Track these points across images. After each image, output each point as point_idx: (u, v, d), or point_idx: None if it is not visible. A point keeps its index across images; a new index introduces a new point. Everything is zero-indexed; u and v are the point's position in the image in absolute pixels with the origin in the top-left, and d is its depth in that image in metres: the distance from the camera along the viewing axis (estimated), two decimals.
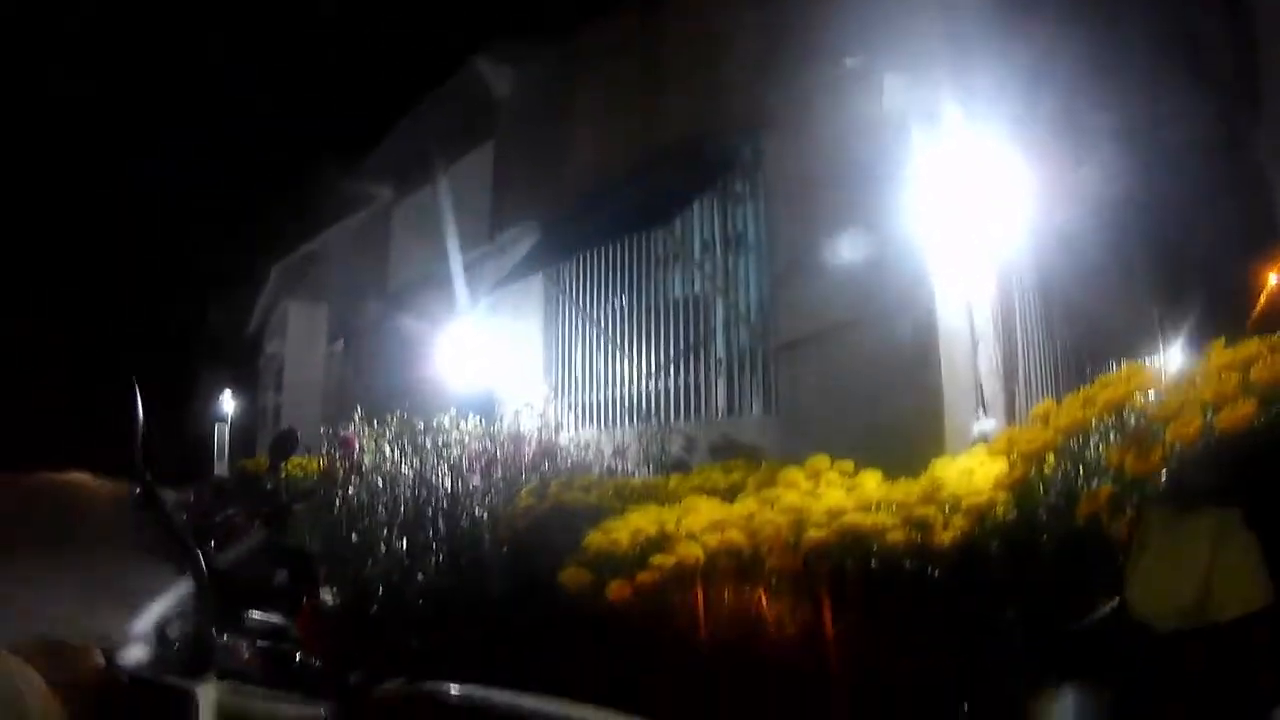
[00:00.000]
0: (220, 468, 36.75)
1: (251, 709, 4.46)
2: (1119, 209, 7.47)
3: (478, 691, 4.86)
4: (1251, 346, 3.94)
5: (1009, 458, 4.56)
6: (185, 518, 14.82)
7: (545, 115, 15.14)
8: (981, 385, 7.92)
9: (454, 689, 4.79)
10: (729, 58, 10.59)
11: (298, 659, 5.76)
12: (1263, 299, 5.55)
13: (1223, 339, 4.11)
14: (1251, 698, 3.06)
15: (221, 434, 39.45)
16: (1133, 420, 4.11)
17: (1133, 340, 6.64)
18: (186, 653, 5.32)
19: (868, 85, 8.45)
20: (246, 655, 5.39)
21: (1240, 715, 3.07)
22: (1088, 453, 4.25)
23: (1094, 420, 4.26)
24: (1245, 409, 3.54)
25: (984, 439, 6.58)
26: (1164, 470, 3.67)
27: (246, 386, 42.68)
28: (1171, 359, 5.02)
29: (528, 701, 4.74)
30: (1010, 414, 7.92)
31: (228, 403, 41.31)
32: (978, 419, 7.68)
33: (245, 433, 40.27)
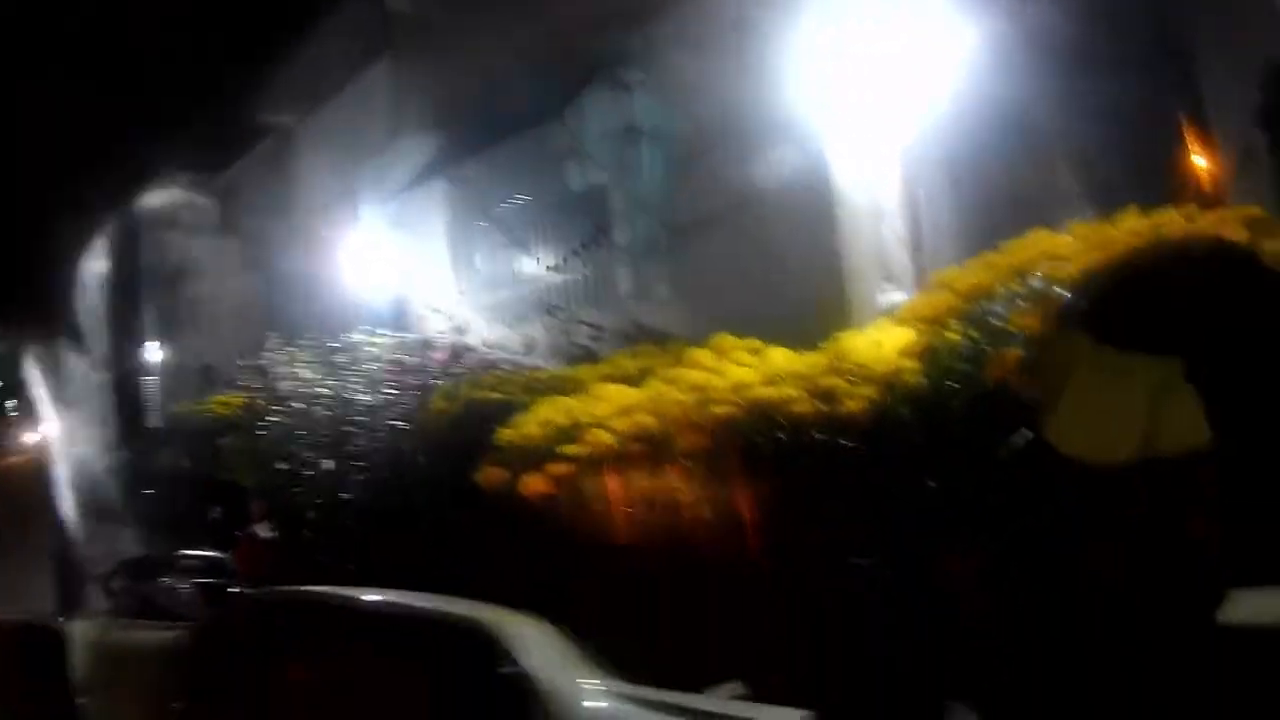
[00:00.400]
0: (154, 419, 36.37)
1: (119, 639, 4.48)
2: (1029, 79, 7.45)
3: (331, 591, 4.86)
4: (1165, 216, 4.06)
5: (914, 326, 4.55)
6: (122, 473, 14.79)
7: (440, 23, 14.82)
8: (887, 258, 7.89)
9: (310, 590, 4.79)
10: None
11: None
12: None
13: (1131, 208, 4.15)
14: (1183, 543, 3.07)
15: (150, 386, 38.87)
16: (1037, 284, 4.09)
17: (1047, 211, 6.68)
18: (130, 600, 5.37)
19: None
20: (186, 593, 5.45)
21: (1171, 557, 3.09)
22: (992, 318, 4.21)
23: (997, 284, 4.24)
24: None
25: (892, 311, 6.59)
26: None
27: (171, 333, 42.09)
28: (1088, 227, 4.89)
29: (382, 596, 4.77)
30: (921, 286, 7.92)
31: (154, 354, 40.68)
32: (884, 291, 7.64)
33: (180, 379, 39.78)
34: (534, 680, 3.70)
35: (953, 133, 7.81)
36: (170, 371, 37.77)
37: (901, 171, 8.11)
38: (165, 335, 38.86)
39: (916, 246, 8.10)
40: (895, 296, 7.48)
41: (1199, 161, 5.97)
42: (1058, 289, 3.90)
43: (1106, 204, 5.11)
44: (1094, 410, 3.23)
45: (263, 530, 9.13)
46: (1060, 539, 3.28)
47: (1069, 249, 4.20)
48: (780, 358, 5.54)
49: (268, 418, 9.49)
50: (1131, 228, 4.02)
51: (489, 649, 3.87)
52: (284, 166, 23.80)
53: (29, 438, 24.14)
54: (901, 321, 4.81)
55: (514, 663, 3.79)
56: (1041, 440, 3.43)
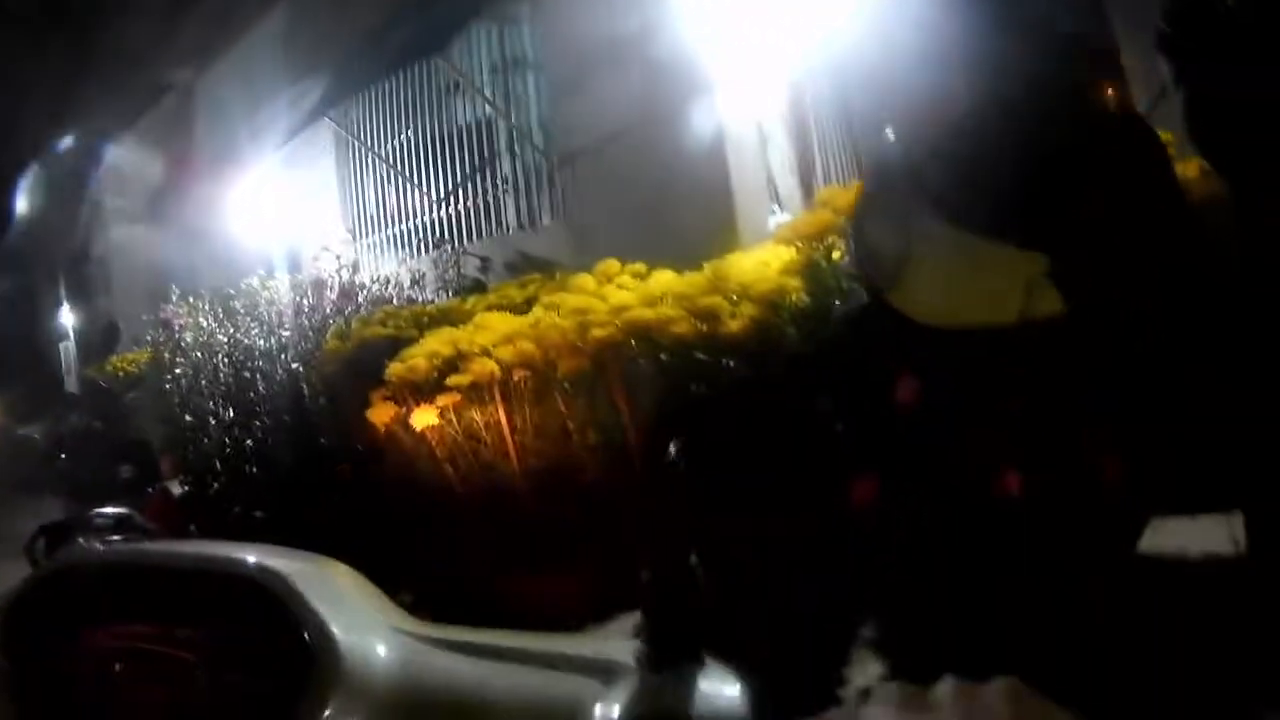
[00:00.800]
0: (70, 383, 35.96)
1: None
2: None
3: (135, 549, 4.81)
4: None
5: (797, 245, 4.53)
6: (35, 436, 14.73)
7: None
8: (775, 181, 7.94)
9: (113, 550, 4.72)
10: None
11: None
12: None
13: None
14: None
15: (67, 351, 38.41)
16: None
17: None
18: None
19: None
20: (101, 550, 5.32)
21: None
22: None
23: None
24: None
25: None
26: None
27: (83, 297, 41.61)
28: None
29: (190, 550, 4.72)
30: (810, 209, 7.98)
31: (66, 317, 40.17)
32: (772, 214, 7.71)
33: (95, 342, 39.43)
34: (322, 628, 3.61)
35: (844, 56, 7.84)
36: (82, 334, 37.50)
37: (790, 96, 8.14)
38: (75, 297, 38.45)
39: (807, 170, 8.13)
40: (784, 219, 7.49)
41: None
42: None
43: None
44: (944, 267, 3.16)
45: (173, 485, 9.09)
46: (938, 441, 3.19)
47: None
48: (665, 281, 5.50)
49: (172, 371, 9.45)
50: None
51: (277, 599, 3.78)
52: (185, 122, 23.69)
53: None
54: (785, 241, 4.78)
55: (303, 611, 3.71)
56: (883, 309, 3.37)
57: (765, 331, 4.47)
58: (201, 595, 4.02)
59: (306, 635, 3.59)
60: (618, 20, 8.40)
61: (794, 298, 4.51)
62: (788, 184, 8.01)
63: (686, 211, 7.76)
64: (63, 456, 8.71)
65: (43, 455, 13.75)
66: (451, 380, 5.30)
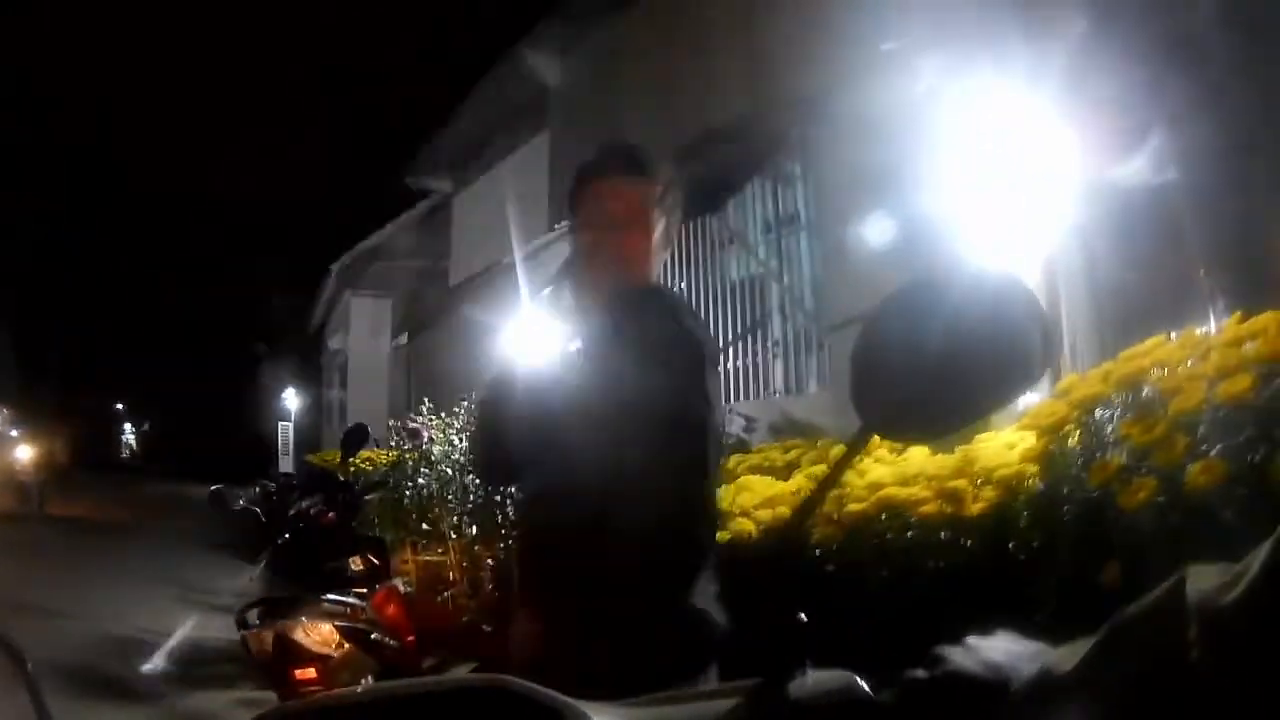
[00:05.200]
0: (285, 463, 37.85)
1: None
2: (1167, 187, 7.65)
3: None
4: (1263, 320, 4.27)
5: (1037, 432, 5.01)
6: (258, 511, 15.56)
7: (596, 102, 15.49)
8: None
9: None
10: (773, 40, 10.85)
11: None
12: None
13: (1238, 313, 4.49)
14: None
15: (285, 431, 40.64)
16: (1145, 392, 4.51)
17: (1181, 312, 7.00)
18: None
19: (906, 67, 8.71)
20: (326, 634, 5.98)
21: None
22: (1107, 426, 4.65)
23: (1111, 394, 4.67)
24: (1243, 384, 3.88)
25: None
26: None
27: (310, 383, 43.78)
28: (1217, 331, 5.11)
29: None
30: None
31: (291, 400, 42.40)
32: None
33: (310, 428, 41.37)
34: None
35: (1093, 234, 8.20)
36: (307, 421, 39.30)
37: (1043, 274, 8.50)
38: (304, 386, 40.38)
39: (1055, 346, 8.46)
40: (1033, 399, 7.88)
41: None
42: (1160, 401, 4.30)
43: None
44: None
45: (400, 584, 9.76)
46: None
47: (1178, 357, 4.54)
48: (918, 458, 6.04)
49: (414, 480, 10.06)
50: (1230, 337, 4.37)
51: None
52: (440, 233, 24.83)
53: None
54: (1024, 427, 5.24)
55: None
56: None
57: (1002, 515, 4.96)
58: None
59: None
60: (882, 190, 8.86)
61: (1030, 484, 4.95)
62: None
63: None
64: (286, 536, 9.29)
65: (260, 529, 14.41)
66: None
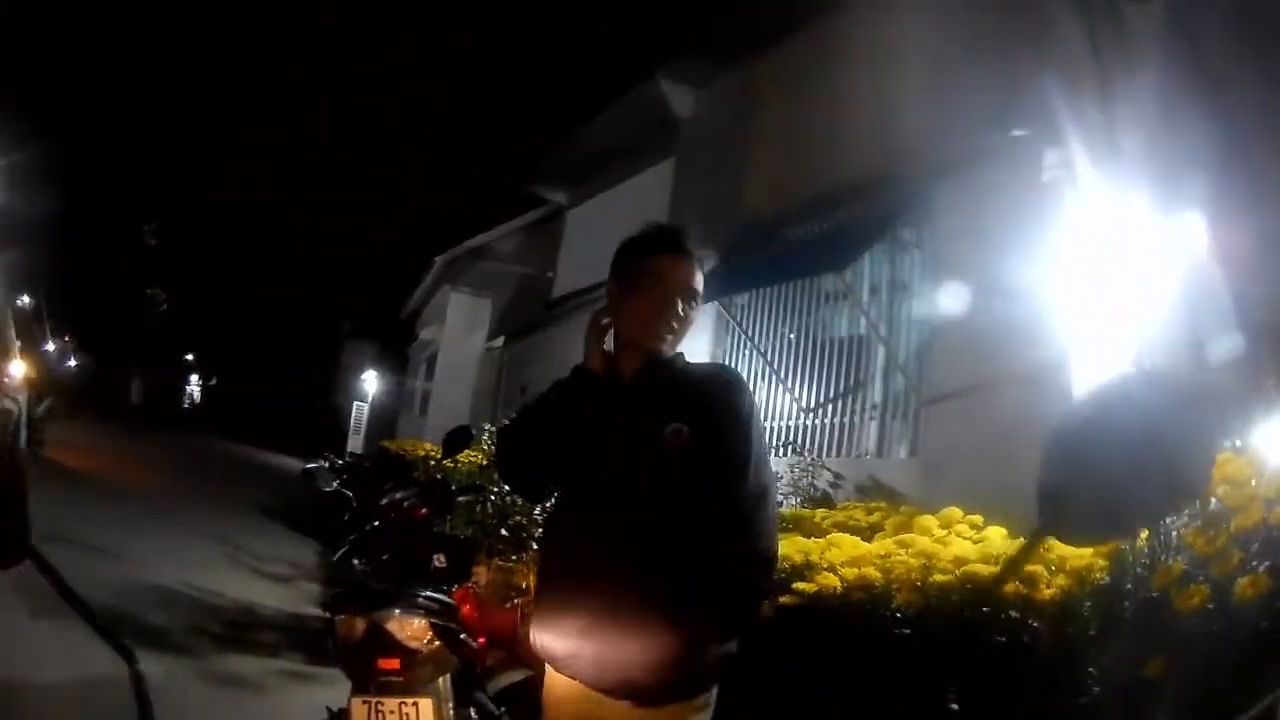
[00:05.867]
0: (355, 443, 38.46)
1: None
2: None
3: None
4: None
5: None
6: (350, 495, 16.08)
7: (725, 139, 15.84)
8: None
9: None
10: (904, 106, 11.06)
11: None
12: None
13: None
14: None
15: (360, 411, 41.34)
16: (1211, 505, 4.96)
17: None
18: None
19: (1031, 155, 9.15)
20: (418, 629, 6.39)
21: None
22: (1172, 532, 5.10)
23: None
24: None
25: None
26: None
27: (393, 368, 44.36)
28: None
29: None
30: None
31: (371, 382, 43.03)
32: None
33: (386, 413, 41.98)
34: None
35: (1204, 331, 8.49)
36: (385, 405, 39.88)
37: (1139, 368, 8.82)
38: (387, 370, 41.01)
39: None
40: None
41: None
42: (1229, 513, 4.70)
43: None
44: None
45: (478, 587, 10.14)
46: None
47: (1245, 473, 4.75)
48: (998, 536, 6.53)
49: (502, 484, 10.47)
50: None
51: None
52: (548, 244, 25.24)
53: None
54: None
55: None
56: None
57: (1069, 600, 5.46)
58: None
59: None
60: (995, 270, 9.19)
61: (1098, 575, 5.42)
62: None
63: (1027, 472, 8.38)
64: (376, 524, 9.54)
65: (353, 516, 14.97)
66: (798, 585, 6.41)
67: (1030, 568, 5.62)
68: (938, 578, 5.88)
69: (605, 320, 4.25)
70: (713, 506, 3.83)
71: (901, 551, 6.53)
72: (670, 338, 4.13)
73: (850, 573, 6.36)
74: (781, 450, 12.23)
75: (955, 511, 7.38)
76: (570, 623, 3.91)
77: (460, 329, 32.33)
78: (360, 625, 6.18)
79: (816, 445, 12.05)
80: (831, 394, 12.29)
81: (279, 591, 14.68)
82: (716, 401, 4.00)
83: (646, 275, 4.14)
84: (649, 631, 3.73)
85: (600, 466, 3.99)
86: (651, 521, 3.85)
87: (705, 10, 16.47)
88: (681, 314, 4.12)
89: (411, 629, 6.28)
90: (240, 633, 11.75)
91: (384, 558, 8.80)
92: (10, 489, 11.07)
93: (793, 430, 12.72)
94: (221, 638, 11.32)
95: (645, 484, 3.90)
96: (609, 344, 4.23)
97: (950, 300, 10.06)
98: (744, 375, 13.70)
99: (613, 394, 4.09)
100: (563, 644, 3.93)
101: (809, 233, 12.79)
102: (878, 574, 6.24)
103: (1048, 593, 5.52)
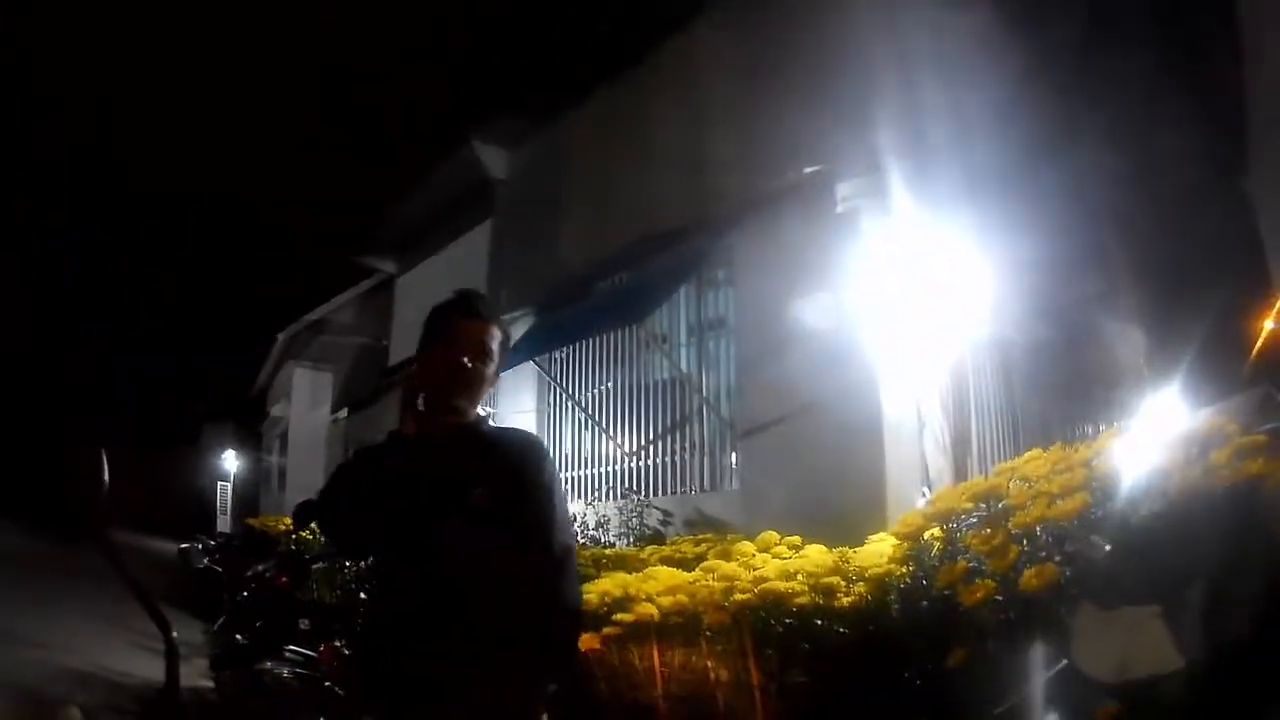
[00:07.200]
0: (222, 523, 38.06)
1: None
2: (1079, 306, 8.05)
3: None
4: (1105, 441, 5.03)
5: (903, 538, 5.72)
6: (220, 570, 16.14)
7: (540, 197, 15.93)
8: (927, 463, 8.87)
9: None
10: (707, 152, 11.39)
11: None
12: (1258, 346, 5.49)
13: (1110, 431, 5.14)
14: None
15: (224, 492, 40.89)
16: (998, 506, 5.18)
17: (1099, 402, 7.60)
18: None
19: (824, 189, 9.47)
20: (286, 677, 6.66)
21: None
22: (960, 534, 5.31)
23: (969, 506, 5.35)
24: (1074, 504, 4.54)
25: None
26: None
27: (249, 446, 43.90)
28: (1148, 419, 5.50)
29: None
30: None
31: (231, 462, 42.56)
32: (923, 495, 8.45)
33: (248, 490, 41.55)
34: None
35: (1006, 334, 8.84)
36: (249, 485, 39.42)
37: (951, 380, 9.09)
38: (244, 449, 40.48)
39: (962, 447, 9.06)
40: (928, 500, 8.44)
41: None
42: (1004, 515, 4.96)
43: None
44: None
45: (340, 645, 10.39)
46: None
47: (1041, 473, 5.18)
48: (816, 553, 6.76)
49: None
50: (1082, 456, 5.00)
51: None
52: (381, 312, 25.22)
53: None
54: (897, 534, 5.92)
55: None
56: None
57: (873, 607, 5.70)
58: None
59: None
60: (800, 301, 9.46)
61: (899, 580, 5.65)
62: (938, 464, 8.95)
63: (844, 489, 8.80)
64: (244, 594, 9.92)
65: (219, 587, 15.55)
66: (617, 617, 6.68)
67: (827, 579, 5.88)
68: (738, 597, 6.14)
69: (415, 383, 4.36)
70: (521, 566, 3.98)
71: (706, 577, 6.83)
72: (467, 397, 4.24)
73: (667, 600, 6.63)
74: (609, 495, 12.50)
75: (772, 535, 7.76)
76: (399, 671, 4.01)
77: (306, 403, 32.17)
78: (239, 679, 6.84)
79: (645, 486, 12.23)
80: (653, 436, 12.47)
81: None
82: (521, 468, 4.16)
83: (441, 338, 4.28)
84: (473, 682, 3.87)
85: (413, 522, 4.07)
86: (463, 574, 3.98)
87: (512, 67, 16.57)
88: (474, 374, 4.22)
89: (282, 679, 6.65)
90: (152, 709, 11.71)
91: (258, 624, 9.03)
92: None
93: (619, 475, 12.87)
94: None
95: (456, 538, 4.01)
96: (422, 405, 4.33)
97: (759, 333, 10.40)
98: (564, 427, 14.07)
99: (424, 453, 4.16)
100: (394, 691, 4.01)
101: (619, 283, 13.16)
102: (687, 599, 6.48)
103: (847, 600, 5.80)
